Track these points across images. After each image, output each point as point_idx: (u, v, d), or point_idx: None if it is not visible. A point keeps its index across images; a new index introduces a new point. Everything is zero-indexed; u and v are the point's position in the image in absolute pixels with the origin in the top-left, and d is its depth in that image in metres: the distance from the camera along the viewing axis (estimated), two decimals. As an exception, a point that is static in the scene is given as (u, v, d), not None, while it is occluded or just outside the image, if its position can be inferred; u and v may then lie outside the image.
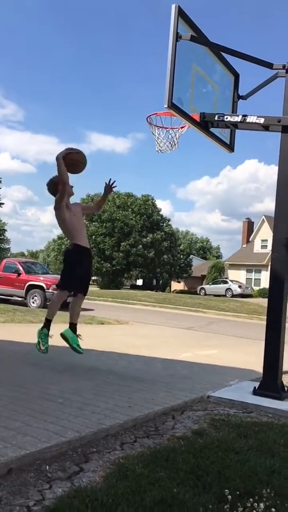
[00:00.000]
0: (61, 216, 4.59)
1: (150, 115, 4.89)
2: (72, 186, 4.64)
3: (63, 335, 4.80)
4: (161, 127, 4.94)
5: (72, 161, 4.43)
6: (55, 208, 4.60)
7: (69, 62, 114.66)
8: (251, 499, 2.10)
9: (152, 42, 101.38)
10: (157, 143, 4.86)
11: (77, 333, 4.92)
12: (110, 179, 4.89)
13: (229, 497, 2.10)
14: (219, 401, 4.16)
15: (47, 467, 2.42)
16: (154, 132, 4.83)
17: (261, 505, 2.05)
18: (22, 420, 3.01)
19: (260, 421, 3.58)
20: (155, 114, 4.85)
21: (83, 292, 4.94)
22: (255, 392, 4.35)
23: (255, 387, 4.41)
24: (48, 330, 4.76)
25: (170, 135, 5.05)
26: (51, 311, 4.85)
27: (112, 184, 4.89)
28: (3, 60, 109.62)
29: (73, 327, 4.88)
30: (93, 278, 57.88)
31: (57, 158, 4.32)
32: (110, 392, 4.01)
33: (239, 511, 1.99)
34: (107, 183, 4.89)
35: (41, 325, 4.83)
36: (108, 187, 4.91)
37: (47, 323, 4.79)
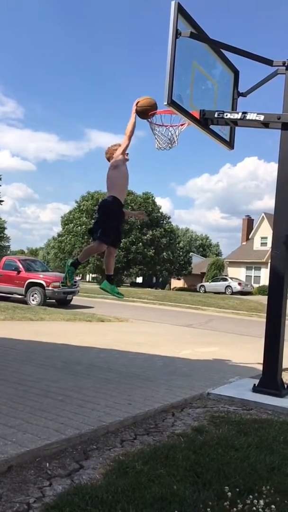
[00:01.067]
0: (114, 165, 4.66)
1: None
2: (128, 153, 4.78)
3: (103, 288, 4.94)
4: (160, 125, 4.93)
5: (141, 109, 4.55)
6: (112, 158, 4.71)
7: (69, 59, 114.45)
8: (251, 496, 2.11)
9: (153, 38, 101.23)
10: (157, 140, 4.85)
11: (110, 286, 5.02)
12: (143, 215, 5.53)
13: (229, 494, 2.11)
14: (219, 398, 4.16)
15: (47, 464, 2.43)
16: (154, 130, 4.82)
17: (261, 501, 2.06)
18: (22, 417, 3.02)
19: (260, 418, 3.59)
20: (154, 112, 4.83)
21: (116, 245, 4.95)
22: (255, 389, 4.36)
23: (254, 384, 4.41)
24: (75, 269, 4.85)
25: (170, 133, 5.04)
26: (84, 256, 4.87)
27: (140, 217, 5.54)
28: (3, 57, 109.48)
29: (109, 278, 4.94)
30: (93, 275, 58.05)
31: (133, 112, 4.54)
32: (110, 390, 4.01)
33: (239, 508, 2.00)
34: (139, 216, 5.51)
35: (71, 260, 4.91)
36: (138, 215, 5.52)
37: (77, 263, 4.84)
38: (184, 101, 4.20)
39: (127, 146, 4.60)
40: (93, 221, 4.71)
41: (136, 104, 4.55)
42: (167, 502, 2.01)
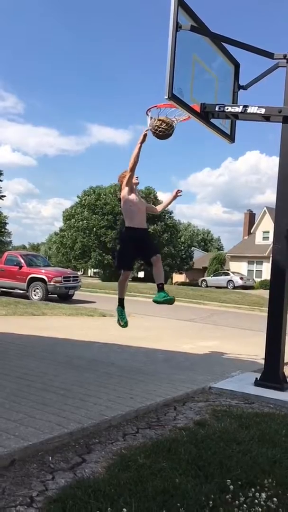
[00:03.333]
0: (122, 199, 5.14)
1: (150, 108, 4.84)
2: (138, 177, 5.14)
3: (156, 301, 5.02)
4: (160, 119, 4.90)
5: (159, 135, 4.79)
6: (120, 190, 5.25)
7: (70, 54, 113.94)
8: (253, 489, 2.12)
9: (154, 32, 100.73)
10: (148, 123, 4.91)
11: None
12: (179, 190, 5.46)
13: (231, 487, 2.11)
14: (220, 392, 4.17)
15: (50, 458, 2.44)
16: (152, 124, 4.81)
17: (263, 495, 2.06)
18: (25, 411, 3.03)
19: (262, 412, 3.60)
20: (155, 106, 4.80)
21: (154, 255, 5.10)
22: (257, 383, 4.37)
23: (256, 378, 4.42)
24: (123, 307, 5.24)
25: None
26: (119, 291, 5.29)
27: (179, 193, 5.46)
28: (3, 52, 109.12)
29: (160, 287, 5.07)
30: (94, 270, 58.03)
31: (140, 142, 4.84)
32: (112, 384, 4.03)
33: (241, 501, 2.01)
34: (177, 192, 5.42)
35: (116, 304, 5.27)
36: (174, 196, 5.47)
37: (120, 302, 5.25)
38: (184, 94, 4.17)
39: (130, 177, 4.96)
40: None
41: (153, 132, 4.74)
42: (169, 495, 2.02)
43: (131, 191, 5.12)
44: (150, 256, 5.15)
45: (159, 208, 5.78)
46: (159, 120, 4.75)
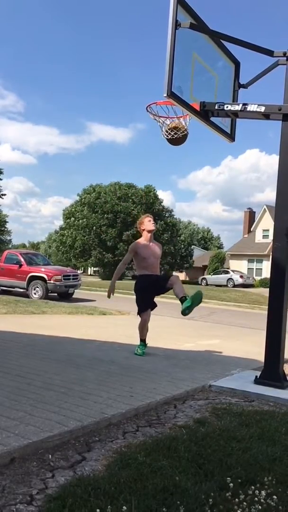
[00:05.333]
0: (133, 252, 5.68)
1: (150, 104, 4.84)
2: (154, 223, 5.75)
3: (183, 313, 5.16)
4: (163, 117, 4.91)
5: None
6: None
7: (70, 52, 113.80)
8: (252, 487, 2.12)
9: (154, 30, 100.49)
10: (164, 129, 4.88)
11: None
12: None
13: (231, 485, 2.11)
14: (220, 390, 4.17)
15: (50, 456, 2.44)
16: (158, 120, 4.82)
17: (263, 492, 2.07)
18: (25, 409, 3.03)
19: (262, 409, 3.60)
20: (155, 103, 4.81)
21: (168, 282, 5.48)
22: (257, 381, 4.37)
23: (256, 376, 4.42)
24: (145, 343, 5.72)
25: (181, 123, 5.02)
26: (141, 331, 5.70)
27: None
28: (3, 50, 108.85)
29: (182, 299, 5.22)
30: (94, 269, 57.95)
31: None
32: (112, 382, 4.03)
33: (240, 498, 2.01)
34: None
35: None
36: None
37: (143, 341, 5.72)
38: (184, 92, 4.17)
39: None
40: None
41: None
42: (169, 493, 2.02)
43: (137, 253, 5.60)
44: (166, 279, 5.54)
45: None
46: (172, 128, 4.85)
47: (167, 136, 4.82)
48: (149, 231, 5.65)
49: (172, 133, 4.77)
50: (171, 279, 5.47)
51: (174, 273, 53.32)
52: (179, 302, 5.09)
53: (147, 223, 5.65)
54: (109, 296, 5.70)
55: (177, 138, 4.83)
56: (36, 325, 7.86)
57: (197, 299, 5.09)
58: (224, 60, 4.98)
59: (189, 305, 5.01)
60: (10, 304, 10.90)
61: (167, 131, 4.80)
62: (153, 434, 2.88)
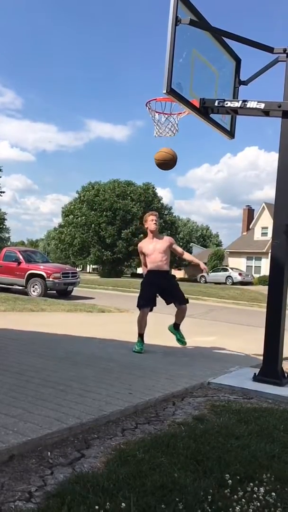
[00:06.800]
0: (140, 252, 5.99)
1: (149, 101, 4.83)
2: (155, 223, 5.89)
3: (170, 331, 6.10)
4: (160, 112, 4.90)
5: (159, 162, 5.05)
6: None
7: (68, 49, 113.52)
8: (251, 484, 2.12)
9: (154, 27, 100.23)
10: (157, 128, 4.84)
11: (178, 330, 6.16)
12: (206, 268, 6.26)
13: (230, 481, 2.11)
14: (219, 387, 4.18)
15: (49, 453, 2.44)
16: (153, 117, 4.80)
17: (261, 489, 2.07)
18: (23, 407, 3.03)
19: (260, 407, 3.60)
20: (154, 99, 4.80)
21: (177, 302, 5.85)
22: (255, 378, 4.37)
23: (255, 374, 4.43)
24: (142, 339, 5.71)
25: (170, 122, 5.01)
26: (140, 326, 5.73)
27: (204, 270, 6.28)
28: (1, 47, 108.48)
29: (175, 325, 6.05)
30: (93, 266, 57.95)
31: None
32: (111, 379, 4.03)
33: (239, 495, 2.01)
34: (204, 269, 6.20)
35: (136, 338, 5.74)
36: (201, 267, 6.18)
37: (140, 336, 5.72)
38: (184, 89, 4.15)
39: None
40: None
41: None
42: (168, 490, 2.02)
43: (145, 254, 5.82)
44: (175, 299, 5.79)
45: (182, 256, 6.35)
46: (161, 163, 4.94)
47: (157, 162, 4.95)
48: (151, 231, 5.81)
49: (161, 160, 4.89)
50: (182, 306, 5.82)
51: (173, 270, 53.38)
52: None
53: (150, 223, 5.81)
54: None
55: (165, 163, 4.97)
56: (35, 323, 7.85)
57: (179, 342, 6.03)
58: (225, 57, 4.96)
59: (173, 334, 5.99)
60: (8, 302, 10.89)
61: (156, 166, 4.93)
62: (152, 431, 2.88)
